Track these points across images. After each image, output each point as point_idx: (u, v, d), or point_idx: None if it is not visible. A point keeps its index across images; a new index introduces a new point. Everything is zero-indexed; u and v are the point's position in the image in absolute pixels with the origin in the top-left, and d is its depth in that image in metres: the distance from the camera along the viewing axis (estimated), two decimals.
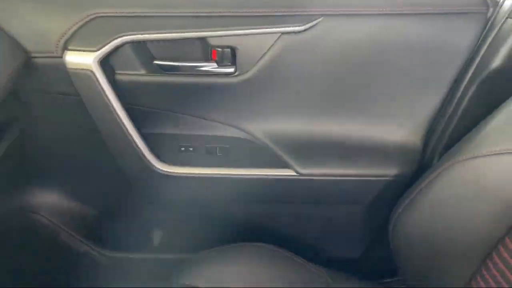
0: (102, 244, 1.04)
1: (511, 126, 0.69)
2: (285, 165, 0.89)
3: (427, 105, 0.87)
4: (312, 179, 0.89)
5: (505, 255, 0.64)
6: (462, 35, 0.80)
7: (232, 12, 0.76)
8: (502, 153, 0.66)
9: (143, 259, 1.05)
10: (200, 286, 0.78)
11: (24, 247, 0.98)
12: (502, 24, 0.78)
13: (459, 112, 0.85)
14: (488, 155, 0.68)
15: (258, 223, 0.99)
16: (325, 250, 0.98)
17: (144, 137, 0.87)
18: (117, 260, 1.04)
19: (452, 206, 0.73)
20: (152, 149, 0.87)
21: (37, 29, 0.75)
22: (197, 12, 0.76)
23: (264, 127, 0.89)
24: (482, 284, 0.68)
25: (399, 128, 0.89)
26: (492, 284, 0.66)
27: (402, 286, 1.00)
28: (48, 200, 0.97)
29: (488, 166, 0.68)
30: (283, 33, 0.78)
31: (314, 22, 0.77)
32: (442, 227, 0.75)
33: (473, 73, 0.82)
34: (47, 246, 0.99)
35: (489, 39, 0.80)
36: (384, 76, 0.84)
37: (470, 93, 0.83)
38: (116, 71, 0.80)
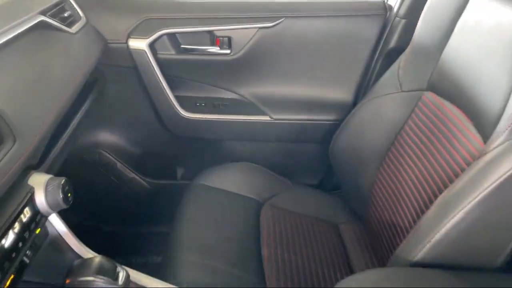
0: (144, 173, 1.50)
1: (390, 79, 1.13)
2: (263, 113, 1.35)
3: (354, 73, 1.32)
4: (281, 122, 1.34)
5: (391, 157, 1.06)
6: (371, 29, 1.25)
7: (229, 15, 1.23)
8: (385, 95, 1.11)
9: (170, 184, 1.50)
10: (209, 184, 1.23)
11: (94, 173, 1.43)
12: (393, 21, 1.24)
13: (373, 76, 1.30)
14: (380, 96, 1.13)
15: (246, 151, 1.43)
16: (291, 176, 1.41)
17: (175, 96, 1.32)
18: (153, 185, 1.50)
19: (363, 127, 1.17)
20: (179, 104, 1.33)
21: (112, 25, 1.23)
22: (207, 15, 1.23)
23: (249, 89, 1.35)
24: (383, 174, 1.08)
25: (338, 88, 1.34)
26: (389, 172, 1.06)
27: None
28: (109, 140, 1.43)
29: (382, 102, 1.13)
30: (259, 28, 1.25)
31: (279, 21, 1.24)
32: (359, 142, 1.18)
33: (379, 52, 1.28)
34: (108, 173, 1.45)
35: (387, 30, 1.25)
36: (324, 55, 1.29)
37: (378, 64, 1.29)
38: (158, 52, 1.27)
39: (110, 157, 1.44)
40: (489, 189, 0.69)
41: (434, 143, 0.92)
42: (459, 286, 0.70)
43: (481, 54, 0.84)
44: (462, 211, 0.71)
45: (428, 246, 0.75)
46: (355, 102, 1.34)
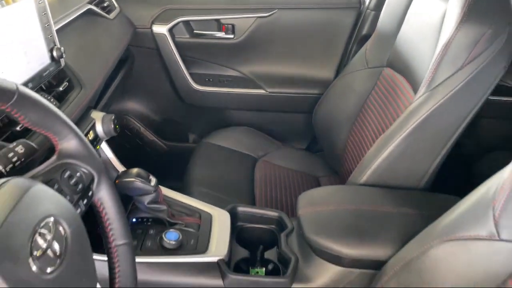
0: (162, 137, 1.79)
1: (360, 59, 1.40)
2: (260, 87, 1.63)
3: (334, 55, 1.59)
4: (274, 95, 1.62)
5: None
6: (347, 19, 1.53)
7: (233, 6, 1.52)
8: (355, 71, 1.38)
9: (183, 146, 1.79)
10: (214, 143, 1.51)
11: (122, 135, 1.71)
12: (365, 13, 1.51)
13: (350, 58, 1.56)
14: (352, 72, 1.39)
15: (246, 118, 1.70)
16: (283, 141, 1.68)
17: (189, 73, 1.61)
18: (169, 146, 1.79)
19: (338, 99, 1.43)
20: (192, 79, 1.61)
21: (139, 14, 1.52)
22: (215, 7, 1.52)
23: (248, 68, 1.63)
24: (353, 135, 1.33)
25: (321, 67, 1.61)
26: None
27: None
28: (135, 108, 1.73)
29: (353, 77, 1.39)
30: (257, 17, 1.53)
31: (273, 12, 1.52)
32: (334, 111, 1.44)
33: (354, 38, 1.55)
34: (133, 136, 1.74)
35: (360, 20, 1.52)
36: (310, 40, 1.57)
37: (353, 48, 1.55)
38: (175, 36, 1.55)
39: (135, 122, 1.73)
40: (411, 127, 0.96)
41: (387, 105, 1.19)
42: (384, 196, 0.97)
43: (418, 37, 1.11)
44: (393, 144, 0.98)
45: (369, 172, 1.02)
46: (335, 79, 1.61)
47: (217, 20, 1.55)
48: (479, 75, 0.92)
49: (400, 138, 0.98)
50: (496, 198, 0.62)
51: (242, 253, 0.95)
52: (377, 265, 0.81)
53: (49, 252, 0.44)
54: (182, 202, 1.01)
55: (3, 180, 0.46)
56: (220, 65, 1.64)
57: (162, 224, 0.93)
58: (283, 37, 1.57)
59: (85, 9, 1.19)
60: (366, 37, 1.48)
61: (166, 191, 1.02)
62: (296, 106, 1.65)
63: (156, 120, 1.77)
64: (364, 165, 1.04)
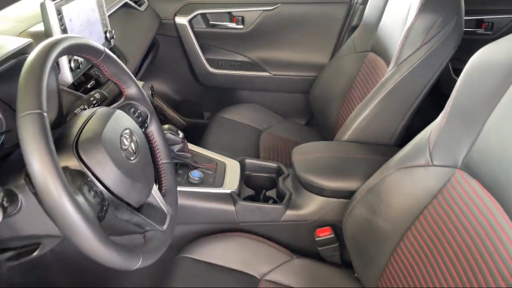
0: (182, 114, 2.05)
1: (349, 45, 1.65)
2: (265, 70, 1.89)
3: (329, 43, 1.84)
4: (277, 77, 1.87)
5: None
6: (340, 12, 1.78)
7: (243, 1, 1.78)
8: (345, 55, 1.63)
9: (199, 122, 2.05)
10: (225, 116, 1.77)
11: None
12: (355, 7, 1.76)
13: (343, 43, 1.80)
14: (342, 56, 1.65)
15: (253, 98, 1.95)
16: (284, 118, 1.93)
17: (205, 58, 1.87)
18: (188, 122, 2.06)
19: (330, 79, 1.69)
20: (208, 63, 1.88)
21: (164, 8, 1.79)
22: (228, 1, 1.78)
23: (256, 54, 1.89)
24: (343, 110, 1.62)
25: (318, 53, 1.86)
26: None
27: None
28: (159, 88, 1.98)
29: (342, 61, 1.65)
30: (263, 10, 1.79)
31: (276, 6, 1.77)
32: (326, 90, 1.70)
33: (346, 28, 1.80)
34: (157, 112, 1.99)
35: (351, 13, 1.77)
36: (308, 30, 1.82)
37: (345, 36, 1.80)
38: (194, 26, 1.82)
39: (159, 101, 2.00)
40: (382, 94, 1.21)
41: (368, 81, 1.43)
42: (359, 148, 1.22)
43: (393, 25, 1.35)
44: (369, 108, 1.23)
45: (349, 131, 1.27)
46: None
47: (229, 13, 1.81)
48: (434, 53, 1.17)
49: (374, 103, 1.23)
50: (431, 136, 0.87)
51: (249, 192, 1.21)
52: (350, 195, 1.06)
53: (129, 149, 0.70)
54: (202, 153, 1.27)
55: (95, 108, 0.72)
56: (231, 51, 1.90)
57: (188, 167, 1.20)
58: (285, 28, 1.82)
59: (123, 2, 1.46)
60: (355, 27, 1.73)
61: (190, 146, 1.29)
62: (296, 86, 1.90)
63: (177, 99, 2.04)
64: (346, 126, 1.30)
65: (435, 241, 0.81)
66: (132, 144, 0.71)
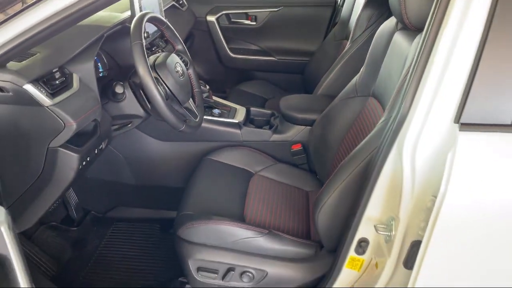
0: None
1: (331, 36, 2.19)
2: (271, 55, 2.46)
3: (318, 35, 2.40)
4: (280, 60, 2.44)
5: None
6: (327, 13, 2.34)
7: (256, 4, 2.37)
8: (328, 43, 2.19)
9: (222, 96, 2.63)
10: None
11: None
12: (337, 8, 2.31)
13: (327, 39, 2.36)
14: (325, 44, 2.21)
15: (263, 76, 2.52)
16: (283, 89, 2.48)
17: (228, 47, 2.46)
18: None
19: (318, 61, 2.25)
20: (230, 50, 2.47)
21: (199, 9, 2.39)
22: (245, 4, 2.38)
23: (264, 43, 2.48)
24: None
25: (310, 43, 2.42)
26: None
27: None
28: None
29: (325, 47, 2.21)
30: (270, 11, 2.37)
31: (280, 8, 2.36)
32: (315, 69, 2.25)
33: (331, 25, 2.35)
34: None
35: (335, 13, 2.33)
36: (303, 26, 2.39)
37: (330, 30, 2.35)
38: (220, 23, 2.42)
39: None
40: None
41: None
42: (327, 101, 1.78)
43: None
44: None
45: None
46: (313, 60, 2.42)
47: (246, 13, 2.41)
48: None
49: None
50: (357, 80, 1.43)
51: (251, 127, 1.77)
52: (313, 123, 1.60)
53: (179, 72, 1.28)
54: (221, 102, 1.84)
55: (159, 54, 1.31)
56: (247, 42, 2.49)
57: (211, 107, 1.77)
58: (286, 24, 2.40)
59: (171, 4, 2.07)
60: (336, 23, 2.28)
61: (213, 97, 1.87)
62: (294, 67, 2.47)
63: (206, 78, 2.63)
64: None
65: (356, 142, 1.25)
66: (180, 70, 1.30)
